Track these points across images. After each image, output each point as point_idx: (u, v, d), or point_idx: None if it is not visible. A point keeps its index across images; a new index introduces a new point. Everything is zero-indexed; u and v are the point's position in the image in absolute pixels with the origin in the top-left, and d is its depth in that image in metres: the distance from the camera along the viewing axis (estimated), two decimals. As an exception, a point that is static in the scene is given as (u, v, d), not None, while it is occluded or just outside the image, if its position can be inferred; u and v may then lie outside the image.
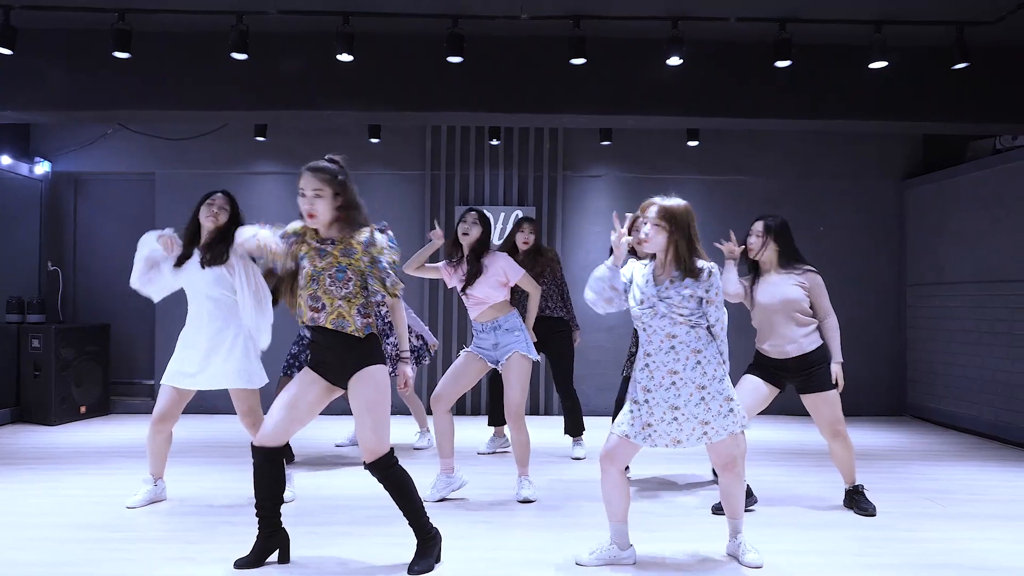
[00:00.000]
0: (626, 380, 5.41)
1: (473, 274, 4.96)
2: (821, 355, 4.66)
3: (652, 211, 3.57)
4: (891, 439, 7.54)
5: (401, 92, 6.59)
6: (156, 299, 4.85)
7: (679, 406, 3.56)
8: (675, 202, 3.60)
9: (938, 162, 8.71)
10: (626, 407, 3.69)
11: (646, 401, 3.59)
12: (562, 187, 8.99)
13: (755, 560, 3.80)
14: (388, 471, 3.65)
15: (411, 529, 3.74)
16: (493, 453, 6.65)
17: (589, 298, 3.70)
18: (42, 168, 8.73)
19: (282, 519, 3.77)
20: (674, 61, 6.07)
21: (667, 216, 3.56)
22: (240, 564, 3.68)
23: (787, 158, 8.95)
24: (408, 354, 4.02)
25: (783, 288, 4.65)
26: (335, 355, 3.64)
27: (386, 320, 6.37)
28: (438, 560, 3.77)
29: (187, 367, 4.70)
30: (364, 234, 3.60)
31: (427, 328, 6.74)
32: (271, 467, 3.66)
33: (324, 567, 3.77)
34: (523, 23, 6.18)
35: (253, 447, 3.66)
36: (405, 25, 6.33)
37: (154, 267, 4.76)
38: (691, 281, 3.56)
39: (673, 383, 3.56)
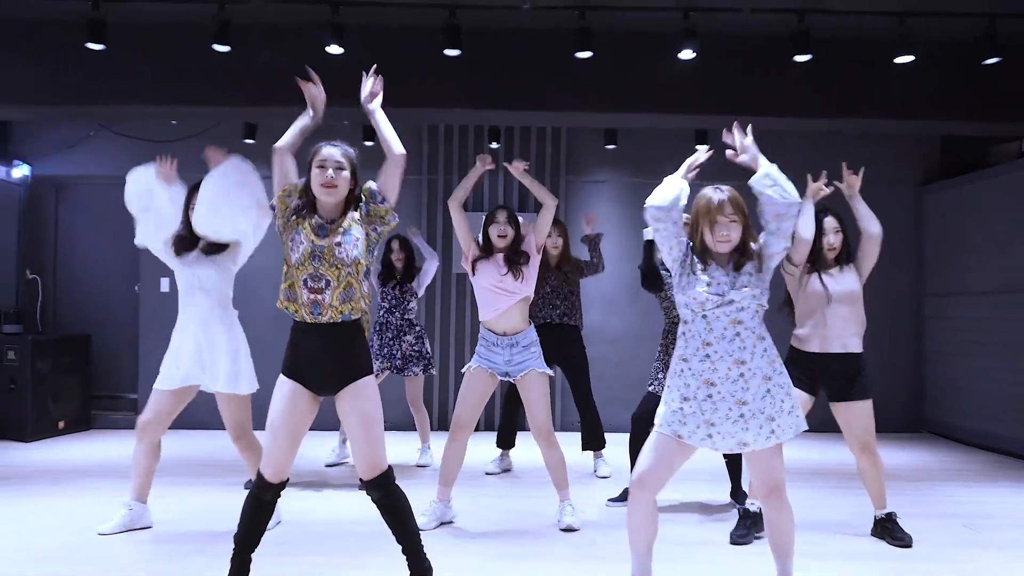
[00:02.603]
0: (652, 396, 5.02)
1: (519, 264, 4.57)
2: (864, 361, 4.41)
3: (726, 208, 3.18)
4: (912, 457, 7.13)
5: (395, 88, 6.07)
6: (148, 239, 4.50)
7: (747, 400, 3.11)
8: (731, 191, 3.24)
9: (956, 167, 8.33)
10: (670, 406, 3.19)
11: (709, 396, 3.13)
12: (564, 192, 8.59)
13: None
14: (388, 489, 3.32)
15: (404, 559, 3.37)
16: (502, 472, 6.25)
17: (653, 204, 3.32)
18: (20, 172, 8.33)
19: (260, 548, 3.40)
20: (686, 55, 5.70)
21: (739, 207, 3.21)
22: None
23: (798, 163, 8.32)
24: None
25: (847, 280, 4.41)
26: (328, 355, 3.31)
27: (405, 317, 6.16)
28: None
29: (177, 368, 4.35)
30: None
31: (431, 252, 6.46)
32: (274, 502, 3.37)
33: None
34: (525, 14, 5.81)
35: (264, 482, 3.30)
36: (399, 15, 5.97)
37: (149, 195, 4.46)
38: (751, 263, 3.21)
39: (741, 375, 3.11)
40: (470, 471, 6.20)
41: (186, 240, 4.42)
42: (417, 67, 6.15)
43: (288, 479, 3.37)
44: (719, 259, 3.22)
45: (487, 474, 6.21)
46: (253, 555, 3.37)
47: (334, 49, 5.65)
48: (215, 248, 4.39)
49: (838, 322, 4.36)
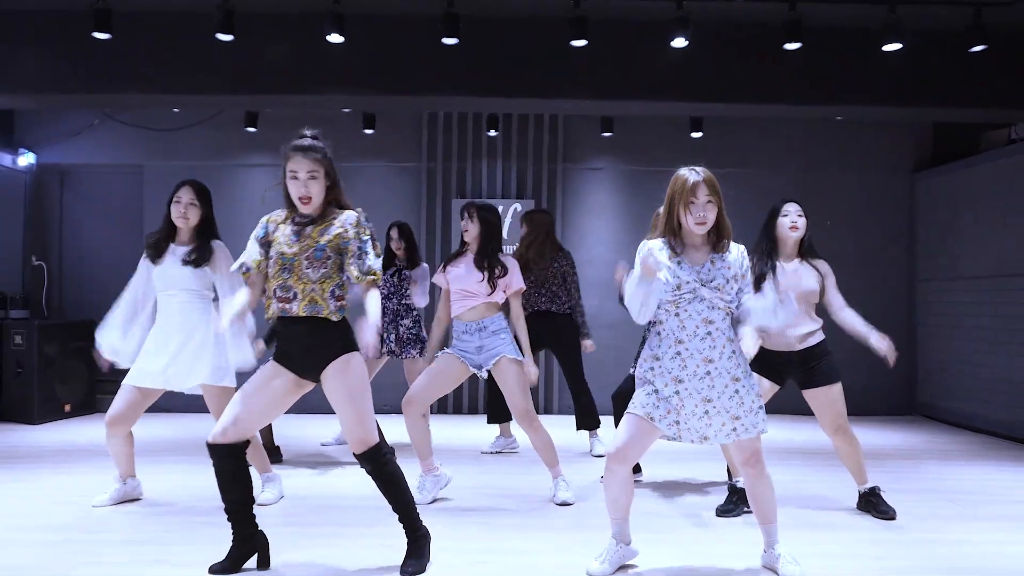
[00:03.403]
0: (632, 379, 5.15)
1: (488, 272, 4.71)
2: (824, 348, 4.46)
3: (701, 191, 3.27)
4: (902, 439, 7.28)
5: (394, 76, 6.35)
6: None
7: (712, 398, 3.27)
8: (706, 172, 3.32)
9: (949, 154, 8.45)
10: (644, 390, 3.36)
11: (676, 393, 3.29)
12: (562, 179, 8.74)
13: (795, 573, 3.42)
14: (379, 462, 3.43)
15: (401, 528, 3.51)
16: (498, 453, 6.38)
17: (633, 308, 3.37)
18: (26, 159, 8.48)
19: (257, 520, 3.49)
20: (679, 43, 5.82)
21: (714, 188, 3.30)
22: (215, 570, 3.42)
23: (793, 150, 8.69)
24: (380, 328, 3.68)
25: (805, 277, 4.43)
26: (305, 345, 3.39)
27: (403, 302, 6.16)
28: (428, 560, 3.53)
29: (153, 365, 4.41)
30: (349, 215, 3.43)
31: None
32: (228, 465, 3.37)
33: (311, 571, 3.52)
34: (521, 3, 5.94)
35: (207, 444, 3.37)
36: (398, 5, 6.09)
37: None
38: (729, 258, 3.32)
39: (708, 372, 3.27)
40: (470, 450, 6.38)
41: (161, 244, 4.48)
42: (416, 56, 6.29)
43: (241, 448, 3.37)
44: (694, 251, 3.33)
45: (483, 453, 6.36)
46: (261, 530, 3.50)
47: (335, 38, 5.77)
48: (195, 261, 4.42)
49: (800, 319, 4.34)
